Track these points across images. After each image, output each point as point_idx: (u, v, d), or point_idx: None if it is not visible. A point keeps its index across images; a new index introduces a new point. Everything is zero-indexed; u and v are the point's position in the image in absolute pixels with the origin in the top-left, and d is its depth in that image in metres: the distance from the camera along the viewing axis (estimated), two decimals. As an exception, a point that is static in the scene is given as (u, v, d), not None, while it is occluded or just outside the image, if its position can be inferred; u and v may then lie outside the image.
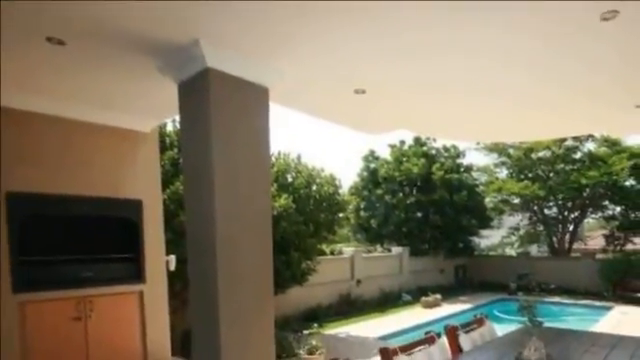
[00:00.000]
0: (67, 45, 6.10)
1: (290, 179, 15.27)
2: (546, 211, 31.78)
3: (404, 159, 28.68)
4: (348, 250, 23.66)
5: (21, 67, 6.90)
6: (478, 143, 29.88)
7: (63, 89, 7.95)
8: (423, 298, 22.64)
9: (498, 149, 30.60)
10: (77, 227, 9.41)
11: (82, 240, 9.52)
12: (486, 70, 7.33)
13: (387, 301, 23.29)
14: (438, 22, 5.65)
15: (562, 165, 29.41)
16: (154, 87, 7.82)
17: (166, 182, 11.84)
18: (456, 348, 6.24)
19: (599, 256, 28.73)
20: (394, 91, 8.30)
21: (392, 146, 30.13)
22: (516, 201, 31.43)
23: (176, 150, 12.92)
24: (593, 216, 32.58)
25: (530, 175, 30.70)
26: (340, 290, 21.19)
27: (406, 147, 29.70)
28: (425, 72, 7.36)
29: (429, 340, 5.82)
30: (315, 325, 16.13)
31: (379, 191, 28.58)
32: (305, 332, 15.16)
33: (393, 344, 5.46)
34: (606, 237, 31.44)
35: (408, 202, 27.68)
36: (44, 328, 8.92)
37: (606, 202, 29.73)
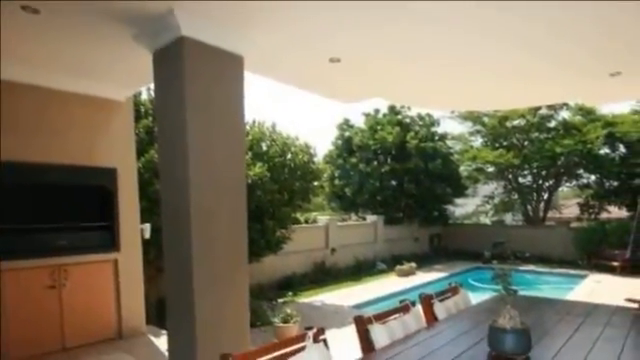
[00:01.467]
0: (42, 13, 6.07)
1: (265, 147, 15.19)
2: (521, 179, 31.85)
3: (378, 127, 28.59)
4: (323, 219, 23.62)
5: (-4, 36, 6.84)
6: (453, 112, 29.89)
7: (38, 58, 7.89)
8: (398, 266, 22.64)
9: (473, 117, 30.61)
10: (52, 195, 9.37)
11: (57, 208, 9.50)
12: (460, 39, 7.32)
13: (362, 269, 23.32)
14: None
15: (537, 134, 29.45)
16: (129, 56, 7.78)
17: (141, 151, 11.81)
18: (431, 316, 6.24)
19: (574, 225, 28.86)
20: (369, 60, 8.28)
21: (366, 115, 30.06)
22: (491, 169, 31.44)
23: (151, 119, 12.82)
24: (568, 185, 32.68)
25: (505, 143, 30.73)
26: (315, 258, 21.21)
27: (380, 116, 29.66)
28: (400, 41, 7.34)
29: (404, 309, 5.81)
30: (290, 293, 16.15)
31: (354, 160, 28.52)
32: (280, 300, 15.22)
33: (368, 312, 5.45)
34: (581, 206, 31.55)
35: (383, 171, 27.68)
36: (20, 296, 8.93)
37: (581, 171, 29.74)
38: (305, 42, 7.18)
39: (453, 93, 11.00)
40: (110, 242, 10.19)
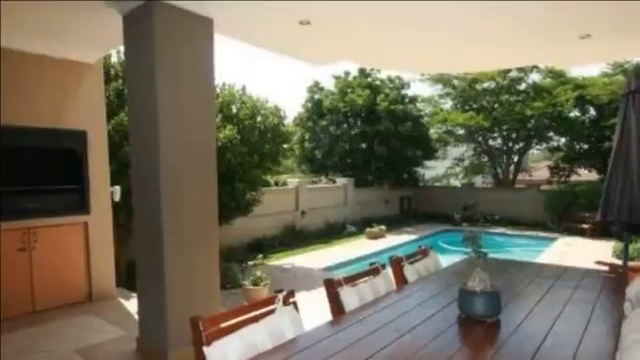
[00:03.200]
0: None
1: (235, 110, 15.12)
2: (491, 142, 31.94)
3: (349, 90, 28.54)
4: (293, 181, 23.57)
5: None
6: (423, 74, 29.85)
7: (7, 20, 7.76)
8: (368, 229, 22.70)
9: (443, 80, 30.59)
10: (22, 158, 9.29)
11: (27, 171, 9.42)
12: (429, 2, 7.30)
13: (332, 232, 23.36)
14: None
15: (507, 96, 29.47)
16: (99, 18, 7.68)
17: (111, 113, 11.73)
18: (401, 279, 6.26)
19: (544, 187, 29.10)
20: (339, 23, 8.23)
21: (336, 77, 29.92)
22: (461, 132, 31.50)
23: (121, 81, 12.69)
24: (538, 147, 32.84)
25: (475, 106, 30.78)
26: (285, 221, 21.21)
27: (350, 78, 29.56)
28: (369, 4, 7.30)
29: (374, 271, 5.82)
30: (260, 256, 16.15)
31: (324, 122, 28.48)
32: (250, 263, 15.23)
33: (338, 275, 5.46)
34: (551, 168, 31.73)
35: (353, 133, 27.68)
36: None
37: (551, 133, 29.88)
38: (274, 4, 7.11)
39: (423, 56, 10.99)
40: (80, 205, 10.15)
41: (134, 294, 9.85)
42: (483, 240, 4.60)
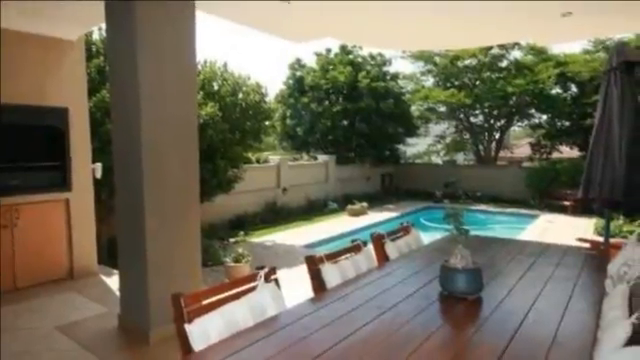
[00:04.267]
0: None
1: (216, 87, 15.07)
2: (472, 119, 32.03)
3: (330, 67, 28.42)
4: (274, 158, 23.52)
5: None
6: (404, 51, 29.88)
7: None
8: (349, 206, 22.78)
9: (424, 57, 30.61)
10: (3, 135, 9.22)
11: (9, 148, 9.36)
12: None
13: (313, 209, 23.41)
14: None
15: (488, 73, 29.59)
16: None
17: (92, 90, 11.63)
18: (382, 256, 6.26)
19: (525, 164, 29.28)
20: (320, -1, 8.22)
21: (318, 54, 29.77)
22: (442, 109, 31.59)
23: (102, 58, 12.58)
24: (519, 124, 33.06)
25: (456, 83, 30.87)
26: (266, 198, 21.19)
27: (332, 55, 29.43)
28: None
29: (355, 248, 5.82)
30: (241, 233, 16.14)
31: (305, 99, 28.32)
32: (231, 240, 15.22)
33: (319, 252, 5.46)
34: (532, 145, 31.93)
35: (334, 110, 27.56)
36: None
37: (532, 110, 30.04)
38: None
39: (405, 33, 10.98)
40: (62, 182, 10.09)
41: (115, 271, 9.83)
42: (465, 217, 4.60)
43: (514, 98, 28.58)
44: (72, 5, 8.24)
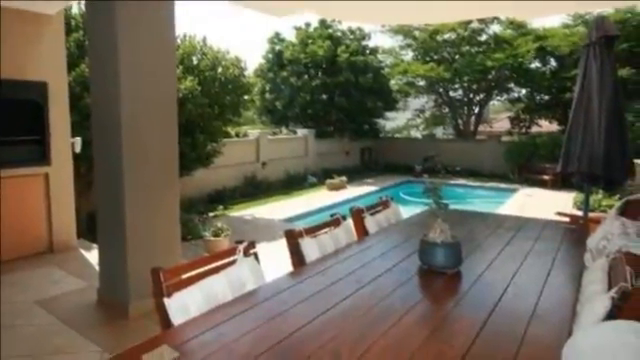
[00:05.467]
0: None
1: (195, 61, 15.06)
2: (451, 93, 32.12)
3: (309, 41, 28.34)
4: (253, 132, 23.52)
5: None
6: (383, 25, 29.83)
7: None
8: (328, 180, 22.81)
9: (403, 31, 30.58)
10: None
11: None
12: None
13: (293, 183, 23.45)
14: None
15: (467, 47, 29.64)
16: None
17: (71, 64, 11.60)
18: (362, 230, 6.26)
19: (504, 138, 29.44)
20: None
21: (297, 28, 29.67)
22: (421, 83, 31.61)
23: (82, 32, 12.52)
24: (498, 98, 33.14)
25: (436, 57, 30.89)
26: (245, 172, 21.18)
27: (311, 29, 29.36)
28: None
29: (335, 222, 5.82)
30: (220, 207, 16.16)
31: (284, 73, 28.26)
32: (210, 214, 15.27)
33: (299, 226, 5.46)
34: (511, 119, 32.08)
35: (313, 84, 27.55)
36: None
37: (511, 84, 30.19)
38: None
39: (384, 7, 10.92)
40: (41, 156, 10.04)
41: (95, 245, 9.80)
42: (444, 191, 4.60)
43: (493, 72, 28.65)
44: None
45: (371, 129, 30.72)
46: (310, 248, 5.03)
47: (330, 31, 28.93)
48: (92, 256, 9.91)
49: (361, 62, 27.73)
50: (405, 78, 31.64)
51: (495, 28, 29.19)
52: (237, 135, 21.86)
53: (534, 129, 30.45)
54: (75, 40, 12.42)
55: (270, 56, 29.71)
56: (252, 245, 4.40)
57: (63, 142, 10.39)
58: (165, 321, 3.41)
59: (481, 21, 27.99)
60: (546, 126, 30.21)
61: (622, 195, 10.78)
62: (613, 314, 2.86)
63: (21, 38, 9.63)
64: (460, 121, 32.49)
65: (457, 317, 3.53)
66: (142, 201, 7.06)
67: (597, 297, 3.21)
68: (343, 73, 27.13)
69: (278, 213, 16.57)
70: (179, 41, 14.82)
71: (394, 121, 34.81)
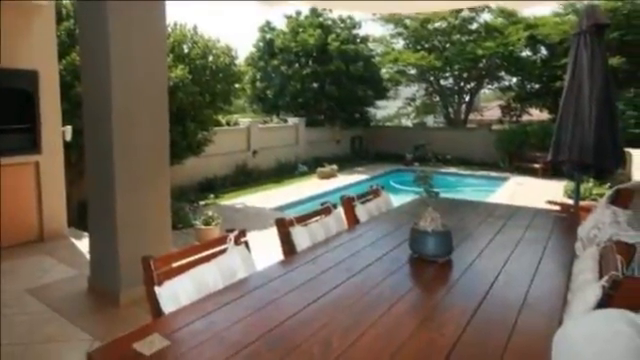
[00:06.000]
0: None
1: (186, 50, 15.03)
2: (442, 82, 32.15)
3: (300, 30, 28.29)
4: (244, 121, 23.51)
5: None
6: (374, 14, 29.81)
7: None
8: (319, 169, 22.79)
9: (394, 20, 30.57)
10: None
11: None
12: None
13: (283, 172, 23.42)
14: None
15: (458, 36, 29.71)
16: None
17: (62, 53, 11.58)
18: (352, 219, 6.26)
19: (495, 127, 29.41)
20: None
21: (288, 17, 29.61)
22: (412, 72, 31.63)
23: (72, 21, 12.47)
24: (489, 87, 33.21)
25: (426, 46, 30.93)
26: (236, 161, 21.16)
27: (302, 18, 29.28)
28: None
29: (325, 211, 5.81)
30: (211, 196, 16.18)
31: (275, 62, 28.25)
32: (201, 203, 15.26)
33: (289, 215, 5.45)
34: (502, 108, 32.09)
35: (304, 73, 27.50)
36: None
37: (502, 73, 30.23)
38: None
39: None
40: (31, 144, 10.02)
41: (86, 234, 9.78)
42: (434, 180, 4.60)
43: (484, 61, 28.72)
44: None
45: (362, 118, 30.73)
46: (301, 237, 5.03)
47: (321, 20, 28.85)
48: (83, 244, 9.89)
49: (352, 51, 27.70)
50: (396, 67, 31.60)
51: (486, 17, 29.27)
52: (228, 124, 21.83)
53: (525, 117, 30.49)
54: (66, 29, 12.37)
55: (261, 45, 29.65)
56: (243, 234, 4.40)
57: (54, 131, 10.37)
58: (156, 309, 3.41)
59: (472, 10, 28.07)
60: (537, 114, 30.27)
61: (613, 184, 10.82)
62: (604, 303, 2.87)
63: (12, 27, 9.58)
64: (451, 109, 32.54)
65: (448, 306, 3.53)
66: (133, 189, 7.05)
67: (588, 286, 3.22)
68: (334, 62, 27.08)
69: (269, 202, 16.57)
70: (169, 29, 14.78)
71: (385, 110, 34.82)
